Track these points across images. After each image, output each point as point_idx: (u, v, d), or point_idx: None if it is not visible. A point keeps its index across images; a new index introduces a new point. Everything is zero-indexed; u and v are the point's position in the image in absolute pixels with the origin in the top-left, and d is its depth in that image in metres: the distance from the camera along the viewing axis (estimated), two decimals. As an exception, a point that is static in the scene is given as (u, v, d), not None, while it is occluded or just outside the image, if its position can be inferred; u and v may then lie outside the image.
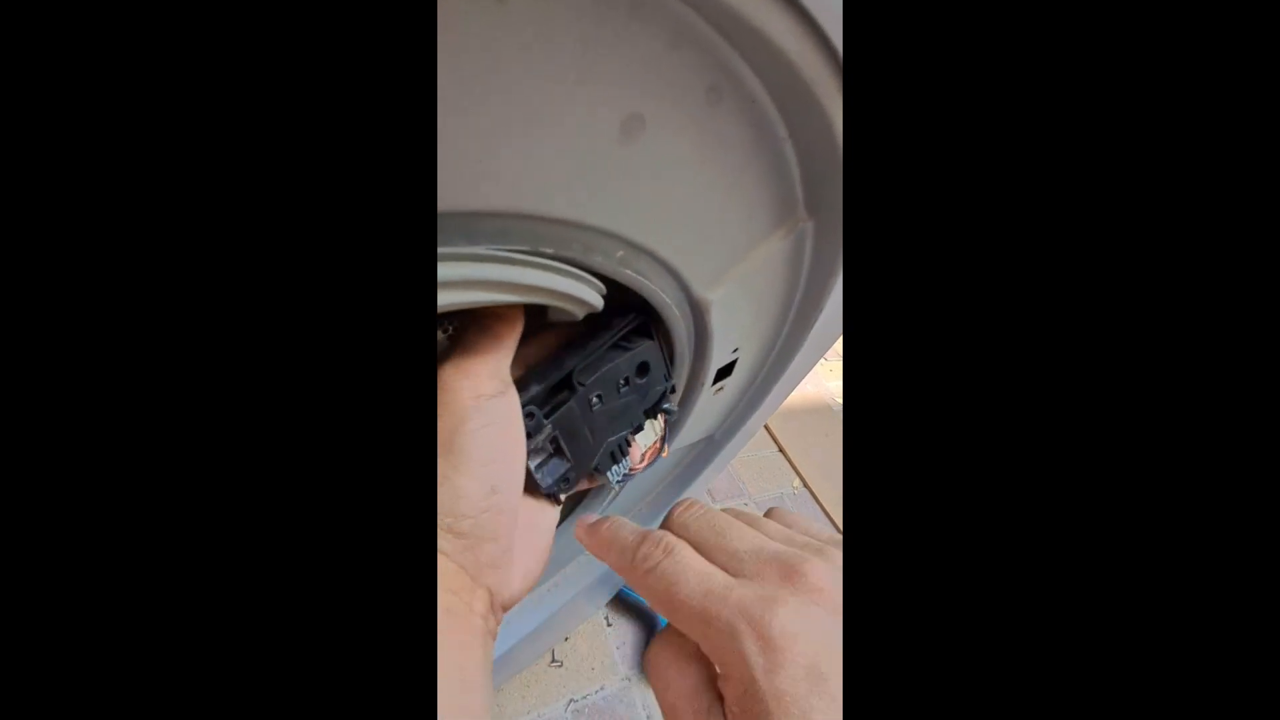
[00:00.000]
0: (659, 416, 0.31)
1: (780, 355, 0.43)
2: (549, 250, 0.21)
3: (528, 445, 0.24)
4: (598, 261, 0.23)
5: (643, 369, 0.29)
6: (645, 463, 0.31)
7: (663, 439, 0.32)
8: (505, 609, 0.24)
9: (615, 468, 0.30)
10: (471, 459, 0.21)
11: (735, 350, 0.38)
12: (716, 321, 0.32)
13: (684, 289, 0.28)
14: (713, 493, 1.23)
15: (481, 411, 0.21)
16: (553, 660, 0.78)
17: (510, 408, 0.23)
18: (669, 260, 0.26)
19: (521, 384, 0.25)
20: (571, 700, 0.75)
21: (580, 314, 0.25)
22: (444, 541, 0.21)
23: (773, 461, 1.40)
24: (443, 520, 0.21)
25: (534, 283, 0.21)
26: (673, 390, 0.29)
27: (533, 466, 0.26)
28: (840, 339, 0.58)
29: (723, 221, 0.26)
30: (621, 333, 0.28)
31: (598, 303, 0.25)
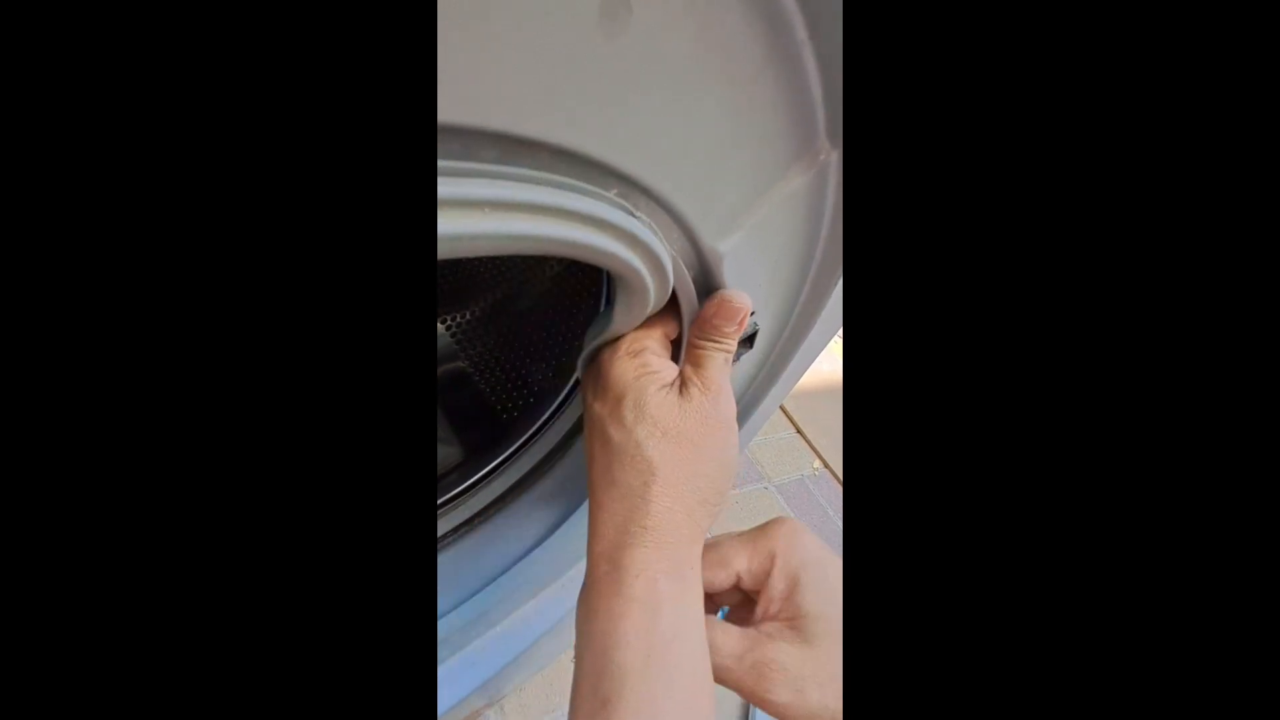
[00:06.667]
0: None
1: (800, 320, 0.39)
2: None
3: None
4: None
5: None
6: None
7: None
8: None
9: None
10: (731, 466, 0.29)
11: (753, 313, 0.34)
12: (730, 280, 0.28)
13: (691, 238, 0.25)
14: (731, 478, 1.19)
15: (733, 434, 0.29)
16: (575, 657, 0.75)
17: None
18: (672, 202, 0.22)
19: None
20: (595, 698, 0.73)
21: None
22: (707, 521, 0.29)
23: (791, 443, 1.36)
24: (713, 509, 0.29)
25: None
26: None
27: None
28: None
29: (733, 152, 0.22)
30: None
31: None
